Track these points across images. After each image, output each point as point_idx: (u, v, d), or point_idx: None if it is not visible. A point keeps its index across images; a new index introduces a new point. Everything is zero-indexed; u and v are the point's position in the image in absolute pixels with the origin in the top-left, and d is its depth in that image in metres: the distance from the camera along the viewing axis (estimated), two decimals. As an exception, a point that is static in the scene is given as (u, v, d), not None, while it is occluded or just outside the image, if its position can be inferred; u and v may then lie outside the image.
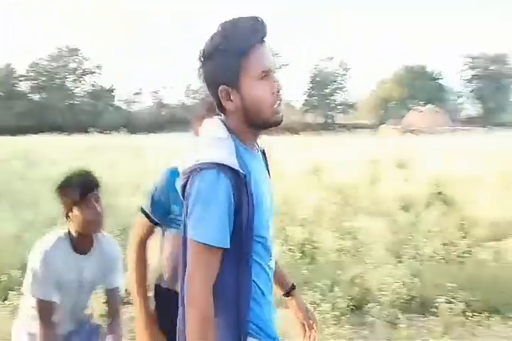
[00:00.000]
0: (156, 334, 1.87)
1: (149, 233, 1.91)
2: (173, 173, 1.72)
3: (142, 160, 12.66)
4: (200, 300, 1.17)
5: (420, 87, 50.35)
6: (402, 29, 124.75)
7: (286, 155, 12.13)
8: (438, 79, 53.60)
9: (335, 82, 54.81)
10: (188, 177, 1.21)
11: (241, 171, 1.19)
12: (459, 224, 5.55)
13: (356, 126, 41.72)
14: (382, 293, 3.67)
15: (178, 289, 1.28)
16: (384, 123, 38.09)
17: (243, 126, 1.26)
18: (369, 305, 3.50)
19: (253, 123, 1.26)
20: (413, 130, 31.95)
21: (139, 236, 1.91)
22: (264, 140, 1.39)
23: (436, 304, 3.50)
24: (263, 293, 1.30)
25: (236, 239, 1.20)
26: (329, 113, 53.82)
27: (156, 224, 1.89)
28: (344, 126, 44.05)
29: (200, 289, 1.17)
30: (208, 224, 1.16)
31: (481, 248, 4.72)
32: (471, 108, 54.16)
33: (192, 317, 1.17)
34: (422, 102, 47.51)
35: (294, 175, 9.41)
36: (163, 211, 1.83)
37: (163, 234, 1.91)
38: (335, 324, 3.23)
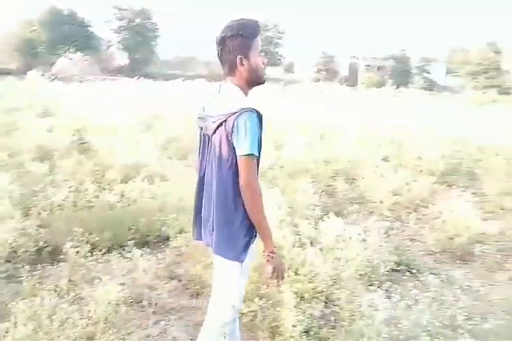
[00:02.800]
0: None
1: None
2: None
3: None
4: (260, 192, 1.99)
5: (69, 33, 47.90)
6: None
7: None
8: (88, 26, 52.00)
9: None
10: (227, 117, 1.94)
11: (261, 113, 1.98)
12: (93, 170, 5.71)
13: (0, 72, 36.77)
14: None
15: None
16: (32, 69, 34.88)
17: (245, 83, 2.09)
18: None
19: (252, 81, 2.10)
20: (63, 77, 30.61)
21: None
22: None
23: (65, 250, 3.54)
24: None
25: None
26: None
27: None
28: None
29: (258, 185, 1.99)
30: (254, 143, 1.94)
31: (109, 191, 4.97)
32: (120, 58, 55.30)
33: (259, 203, 1.99)
34: (72, 49, 45.67)
35: None
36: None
37: None
38: None
